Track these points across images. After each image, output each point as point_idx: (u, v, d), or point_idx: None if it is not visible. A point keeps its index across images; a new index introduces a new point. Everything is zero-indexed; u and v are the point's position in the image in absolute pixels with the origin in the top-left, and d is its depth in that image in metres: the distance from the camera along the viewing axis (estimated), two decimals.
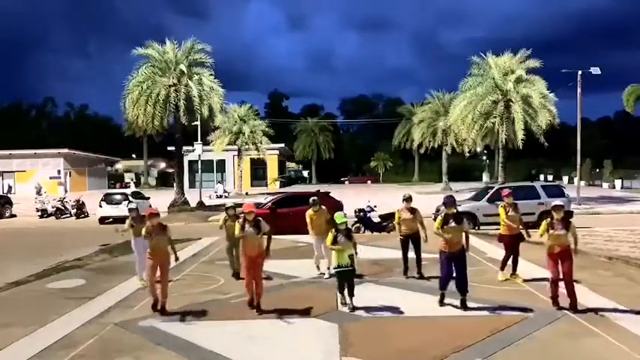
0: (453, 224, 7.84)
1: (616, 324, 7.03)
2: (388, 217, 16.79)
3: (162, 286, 8.05)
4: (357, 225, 17.61)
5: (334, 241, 7.99)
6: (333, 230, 8.09)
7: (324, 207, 10.54)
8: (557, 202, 8.17)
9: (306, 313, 7.84)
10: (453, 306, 7.91)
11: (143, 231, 8.22)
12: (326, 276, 10.00)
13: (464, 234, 7.95)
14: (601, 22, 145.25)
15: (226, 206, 10.87)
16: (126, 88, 26.43)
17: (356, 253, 8.10)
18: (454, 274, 7.90)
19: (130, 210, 10.71)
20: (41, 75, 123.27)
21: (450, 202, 8.03)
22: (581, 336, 6.68)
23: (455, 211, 8.03)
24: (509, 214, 9.65)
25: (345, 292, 8.04)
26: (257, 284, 7.95)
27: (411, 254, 10.17)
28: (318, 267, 10.36)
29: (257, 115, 46.19)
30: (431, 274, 9.70)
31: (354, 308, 7.90)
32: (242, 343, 6.73)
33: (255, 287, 7.96)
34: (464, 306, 7.81)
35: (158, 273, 8.08)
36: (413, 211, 10.08)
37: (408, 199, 10.17)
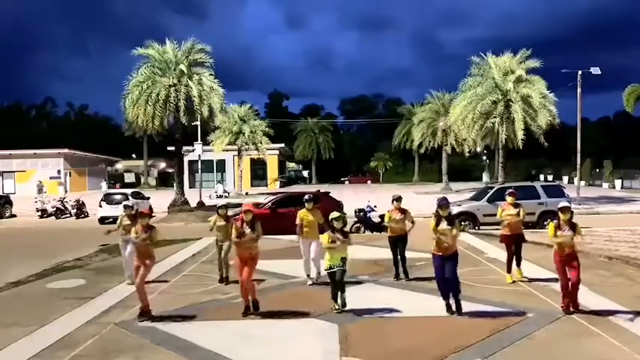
0: (444, 225, 7.68)
1: (616, 324, 7.04)
2: None
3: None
4: (357, 225, 17.63)
5: (332, 241, 7.77)
6: (330, 231, 7.86)
7: (318, 209, 10.07)
8: (564, 203, 7.92)
9: (306, 313, 7.83)
10: (453, 311, 7.70)
11: (132, 231, 8.05)
12: (309, 282, 9.79)
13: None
14: (601, 22, 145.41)
15: (217, 205, 10.48)
16: (126, 88, 26.39)
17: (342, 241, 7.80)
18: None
19: (125, 207, 10.14)
20: (41, 75, 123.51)
21: (444, 203, 7.84)
22: (581, 336, 6.68)
23: (448, 212, 7.87)
24: (504, 212, 9.86)
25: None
26: (251, 285, 7.89)
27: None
28: (308, 275, 9.91)
29: (257, 115, 46.21)
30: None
31: (344, 305, 7.74)
32: (242, 343, 6.73)
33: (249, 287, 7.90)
34: (458, 309, 7.58)
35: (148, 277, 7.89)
36: (403, 211, 10.11)
37: (397, 200, 10.18)
